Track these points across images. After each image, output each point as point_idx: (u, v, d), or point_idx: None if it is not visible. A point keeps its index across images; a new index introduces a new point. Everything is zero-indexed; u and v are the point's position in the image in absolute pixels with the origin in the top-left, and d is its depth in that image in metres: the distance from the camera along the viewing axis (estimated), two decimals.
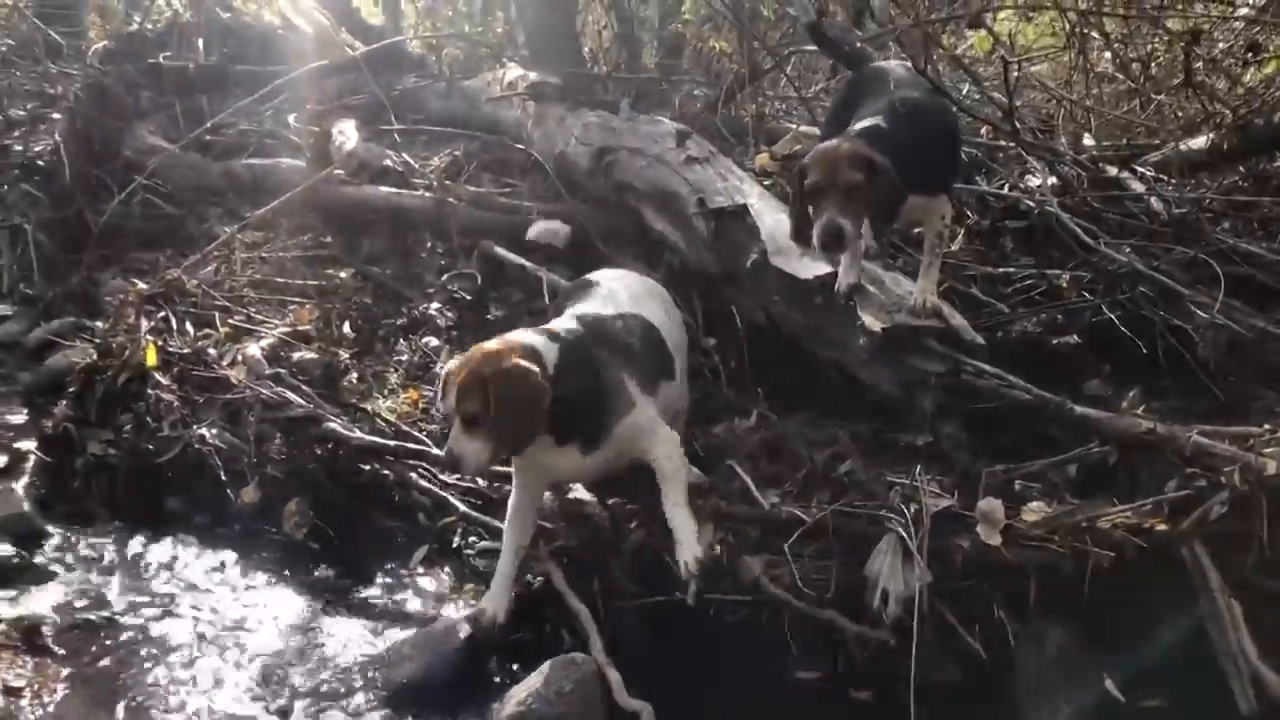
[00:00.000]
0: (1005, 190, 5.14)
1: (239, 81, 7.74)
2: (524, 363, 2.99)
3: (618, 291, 3.68)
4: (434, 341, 5.17)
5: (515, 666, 3.26)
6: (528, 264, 5.47)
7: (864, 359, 3.94)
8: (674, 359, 3.62)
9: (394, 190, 6.22)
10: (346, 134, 6.72)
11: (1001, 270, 4.67)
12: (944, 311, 3.92)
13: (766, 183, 5.44)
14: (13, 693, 3.07)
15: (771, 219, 4.59)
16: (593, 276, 3.90)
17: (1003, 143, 5.17)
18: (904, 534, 3.23)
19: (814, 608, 3.22)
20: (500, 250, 5.66)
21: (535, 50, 8.81)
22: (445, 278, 5.65)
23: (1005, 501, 3.34)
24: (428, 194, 6.12)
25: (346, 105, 7.48)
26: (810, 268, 4.22)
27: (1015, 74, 5.04)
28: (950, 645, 3.20)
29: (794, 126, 6.49)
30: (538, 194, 6.13)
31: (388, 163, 6.50)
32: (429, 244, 6.07)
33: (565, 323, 3.35)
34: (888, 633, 3.15)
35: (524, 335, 3.17)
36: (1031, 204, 4.90)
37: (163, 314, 5.03)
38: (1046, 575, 3.24)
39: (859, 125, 3.79)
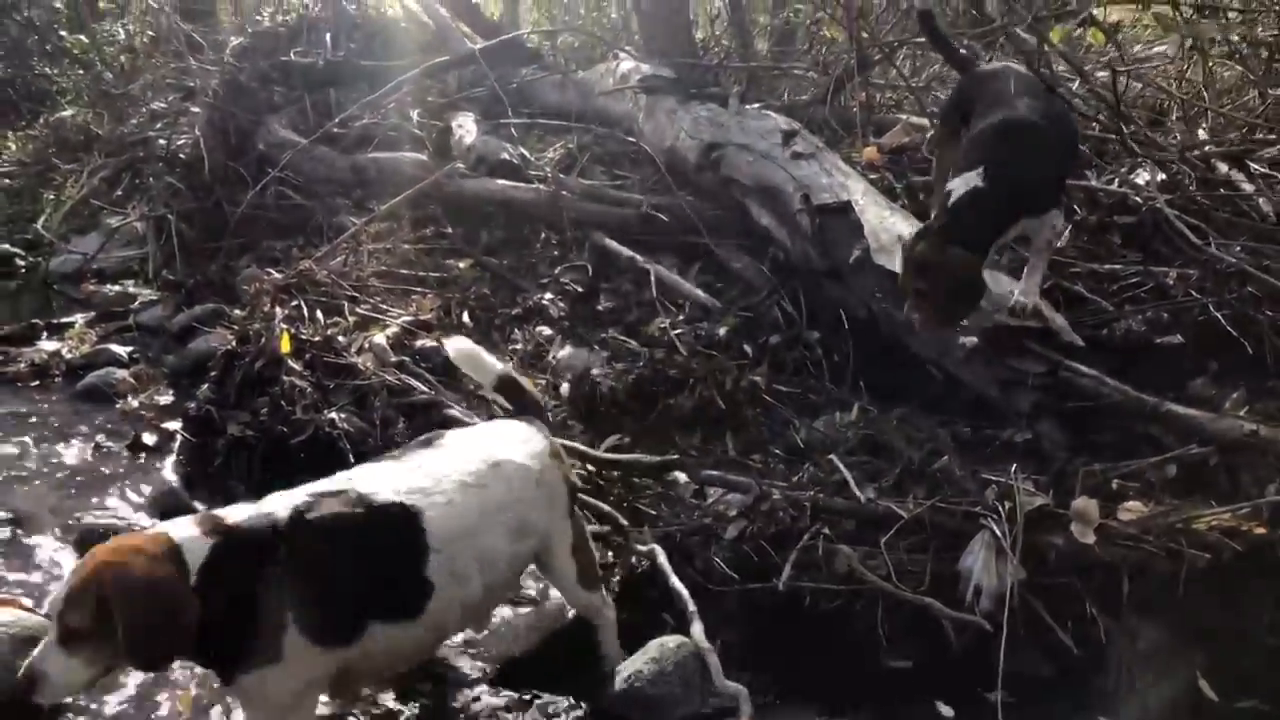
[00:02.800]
0: (1114, 186, 5.09)
1: (364, 76, 8.08)
2: (156, 569, 2.30)
3: (431, 465, 2.81)
4: (547, 331, 5.38)
5: (620, 645, 3.43)
6: (638, 256, 5.64)
7: (963, 358, 4.01)
8: (429, 592, 2.66)
9: (510, 183, 6.46)
10: (466, 128, 7.00)
11: (1107, 267, 4.65)
12: (1044, 311, 3.96)
13: (873, 176, 5.50)
14: None
15: (875, 216, 4.67)
16: (452, 433, 3.08)
17: (1112, 135, 5.11)
18: (998, 530, 3.30)
19: (910, 594, 3.31)
20: (611, 242, 5.85)
21: (648, 38, 8.92)
22: (558, 270, 5.86)
23: (1102, 501, 3.38)
24: (542, 187, 6.34)
25: (466, 98, 7.76)
26: None
27: (1123, 72, 4.97)
28: (1042, 641, 3.26)
29: (904, 117, 6.51)
30: (647, 187, 6.29)
31: (505, 155, 6.73)
32: (543, 235, 6.30)
33: (266, 507, 2.54)
34: (982, 620, 3.20)
35: (177, 527, 2.43)
36: (1139, 200, 4.86)
37: (295, 302, 5.33)
38: (1141, 574, 3.27)
39: (956, 192, 3.74)
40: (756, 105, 6.43)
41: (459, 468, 2.79)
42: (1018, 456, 3.69)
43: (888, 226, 4.59)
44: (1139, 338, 4.26)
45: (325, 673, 2.56)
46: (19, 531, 3.98)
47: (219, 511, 2.52)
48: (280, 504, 2.54)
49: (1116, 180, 5.13)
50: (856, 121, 6.18)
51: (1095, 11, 5.13)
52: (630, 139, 6.75)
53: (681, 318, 5.12)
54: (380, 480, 2.68)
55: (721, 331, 4.95)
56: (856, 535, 3.53)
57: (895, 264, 4.33)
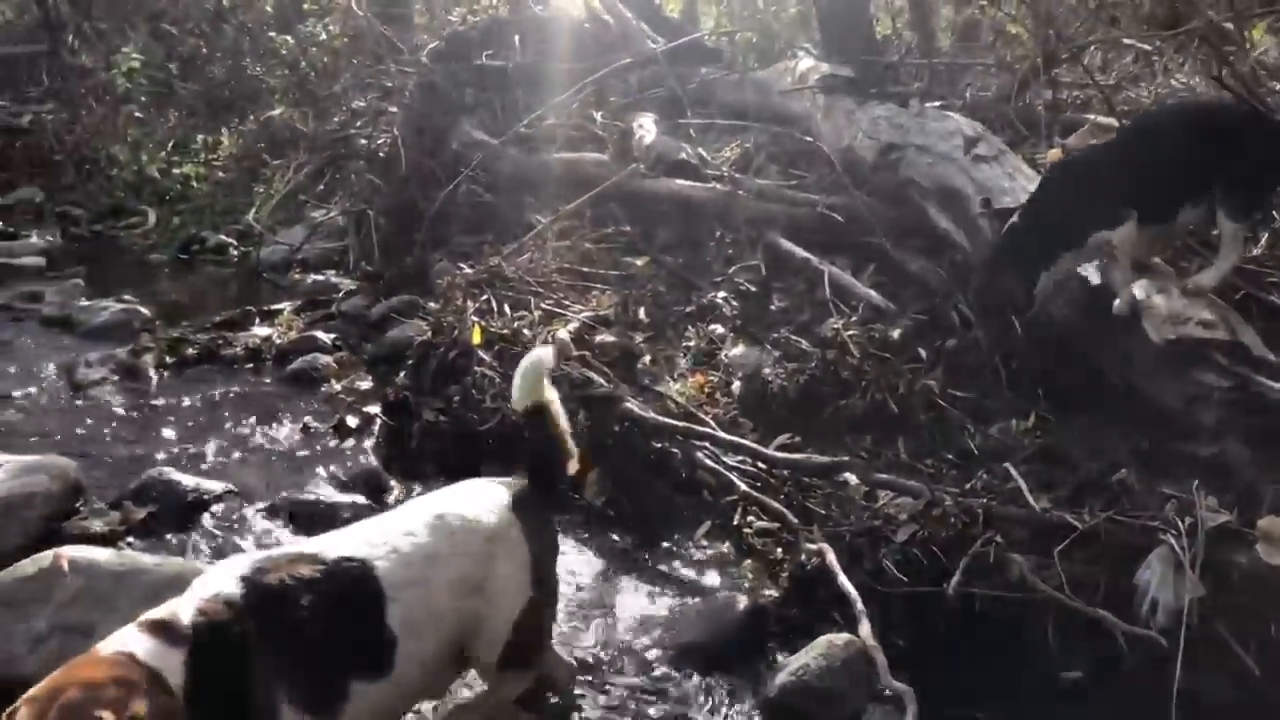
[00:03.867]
0: None
1: (550, 77, 8.38)
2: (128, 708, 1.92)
3: (374, 524, 2.75)
4: (719, 329, 5.52)
5: (788, 639, 3.54)
6: (812, 257, 5.71)
7: (1146, 370, 3.93)
8: (394, 643, 2.53)
9: (687, 182, 6.61)
10: (646, 128, 7.19)
11: None
12: (1233, 324, 3.85)
13: None
14: None
15: None
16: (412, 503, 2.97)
17: None
18: (1177, 546, 3.25)
19: (1084, 605, 3.30)
20: (785, 242, 5.93)
21: (828, 36, 8.91)
22: (732, 269, 5.99)
23: None
24: (718, 186, 6.47)
25: (646, 98, 7.96)
26: (1095, 273, 4.23)
27: None
28: (1222, 662, 3.20)
29: (1091, 117, 6.33)
30: (823, 187, 6.33)
31: (682, 155, 6.89)
32: (717, 234, 6.43)
33: (210, 588, 2.30)
34: (1158, 636, 3.17)
35: (136, 644, 2.10)
36: None
37: (485, 296, 5.64)
38: None
39: None
40: (937, 104, 6.38)
41: (402, 523, 2.69)
42: (1201, 472, 3.60)
43: None
44: None
45: None
46: (238, 504, 4.37)
47: (156, 613, 2.20)
48: (223, 579, 2.33)
49: None
50: (1041, 122, 6.06)
51: None
52: (807, 138, 6.79)
53: (854, 319, 5.16)
54: (322, 542, 2.61)
55: (895, 334, 4.97)
56: (1029, 544, 3.53)
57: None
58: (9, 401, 5.50)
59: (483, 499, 2.85)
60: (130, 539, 4.06)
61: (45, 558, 3.43)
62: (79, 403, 5.57)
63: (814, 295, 5.54)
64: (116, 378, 5.84)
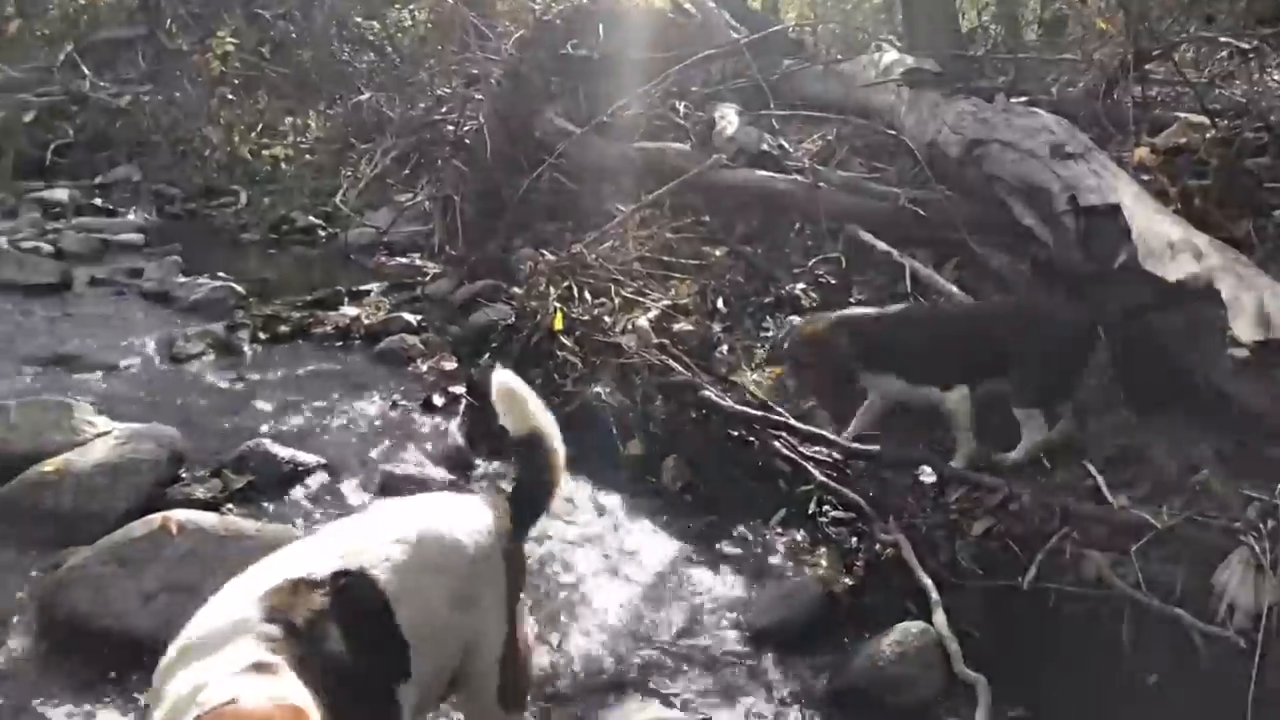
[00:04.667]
0: None
1: (633, 67, 8.45)
2: None
3: (356, 530, 2.47)
4: (797, 321, 5.56)
5: (861, 626, 3.61)
6: (893, 250, 5.72)
7: (1232, 370, 3.91)
8: (409, 649, 2.29)
9: (768, 174, 6.65)
10: (728, 118, 7.24)
11: None
12: None
13: (1145, 179, 5.34)
14: None
15: (1145, 220, 4.57)
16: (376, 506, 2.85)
17: None
18: (1257, 548, 3.25)
19: (1159, 603, 3.31)
20: (865, 235, 5.95)
21: (913, 28, 8.88)
22: (812, 261, 6.03)
23: None
24: (799, 178, 6.50)
25: (729, 88, 8.01)
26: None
27: None
28: None
29: (1181, 116, 6.24)
30: (906, 181, 6.33)
31: (764, 146, 6.92)
32: (797, 226, 6.47)
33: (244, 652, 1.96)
34: (1236, 636, 3.15)
35: (270, 688, 1.87)
36: None
37: (567, 283, 5.76)
38: None
39: None
40: (1023, 100, 6.34)
41: (388, 531, 2.41)
42: None
43: (1158, 231, 4.49)
44: None
45: None
46: (331, 477, 4.55)
47: (261, 658, 1.94)
48: (236, 627, 2.03)
49: None
50: (1130, 119, 5.99)
51: None
52: (890, 131, 6.78)
53: None
54: (307, 556, 2.29)
55: None
56: (1107, 542, 3.56)
57: (1164, 270, 4.26)
58: (114, 372, 5.76)
59: (463, 516, 2.56)
60: (230, 505, 4.25)
61: (154, 520, 3.64)
62: (178, 375, 5.81)
63: (895, 289, 5.56)
64: (213, 352, 6.08)
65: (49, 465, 4.22)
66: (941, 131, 6.16)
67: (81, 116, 11.74)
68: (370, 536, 2.38)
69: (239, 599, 2.12)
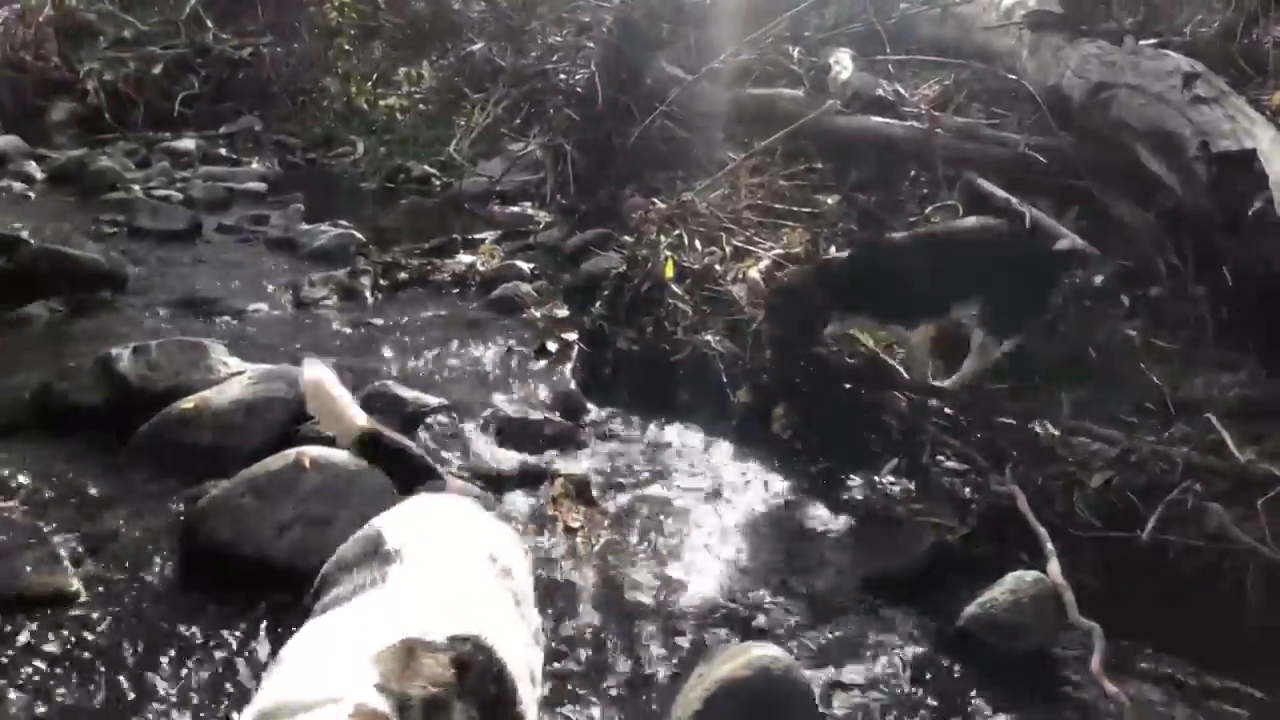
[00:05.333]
0: None
1: (745, 12, 8.36)
2: None
3: (438, 577, 1.95)
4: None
5: (974, 575, 3.60)
6: (1013, 198, 5.60)
7: None
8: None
9: (884, 120, 6.54)
10: (843, 64, 7.14)
11: None
12: None
13: None
14: (571, 532, 3.96)
15: None
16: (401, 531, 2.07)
17: None
18: None
19: None
20: (984, 182, 5.83)
21: None
22: (928, 209, 5.93)
23: None
24: (915, 124, 6.38)
25: (843, 33, 7.87)
26: None
27: None
28: None
29: None
30: (1026, 127, 6.17)
31: (880, 92, 6.81)
32: (912, 173, 6.36)
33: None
34: None
35: None
36: None
37: (677, 231, 5.79)
38: None
39: None
40: (1153, 41, 6.10)
41: (471, 574, 2.02)
42: None
43: None
44: None
45: None
46: (452, 417, 4.69)
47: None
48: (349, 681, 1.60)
49: None
50: (1270, 61, 5.72)
51: None
52: (1010, 76, 6.59)
53: None
54: (416, 615, 1.80)
55: (1098, 280, 4.86)
56: (1230, 496, 3.48)
57: None
58: (243, 316, 6.01)
59: (495, 529, 2.27)
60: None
61: (289, 455, 3.80)
62: (304, 319, 6.03)
63: None
64: (336, 297, 6.30)
65: (188, 402, 4.42)
66: (1065, 75, 5.97)
67: (206, 69, 12.13)
68: (465, 579, 1.97)
69: (336, 657, 1.68)
